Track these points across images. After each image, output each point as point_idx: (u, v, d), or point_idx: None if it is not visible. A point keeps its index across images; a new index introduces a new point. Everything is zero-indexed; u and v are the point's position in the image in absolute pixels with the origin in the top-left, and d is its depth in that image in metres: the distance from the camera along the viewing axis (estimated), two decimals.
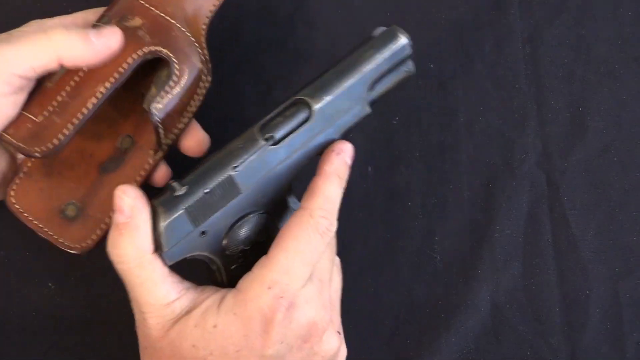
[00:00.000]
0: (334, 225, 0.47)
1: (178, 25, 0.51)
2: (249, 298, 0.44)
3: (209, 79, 0.53)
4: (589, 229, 0.59)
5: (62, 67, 0.48)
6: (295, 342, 0.45)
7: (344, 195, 0.58)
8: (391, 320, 0.57)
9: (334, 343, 0.47)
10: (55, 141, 0.48)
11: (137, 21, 0.50)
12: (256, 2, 0.63)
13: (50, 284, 0.56)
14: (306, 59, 0.62)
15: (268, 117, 0.48)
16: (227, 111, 0.61)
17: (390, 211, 0.59)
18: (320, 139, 0.48)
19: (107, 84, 0.48)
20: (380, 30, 0.49)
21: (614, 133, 0.61)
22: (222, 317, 0.44)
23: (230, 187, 0.46)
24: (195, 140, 0.53)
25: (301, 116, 0.47)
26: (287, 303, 0.44)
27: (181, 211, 0.46)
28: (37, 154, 0.47)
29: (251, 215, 0.48)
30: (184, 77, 0.51)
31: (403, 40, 0.48)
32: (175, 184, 0.46)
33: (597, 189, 0.60)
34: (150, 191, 0.55)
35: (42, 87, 0.49)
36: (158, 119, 0.50)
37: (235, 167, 0.46)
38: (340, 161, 0.48)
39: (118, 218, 0.46)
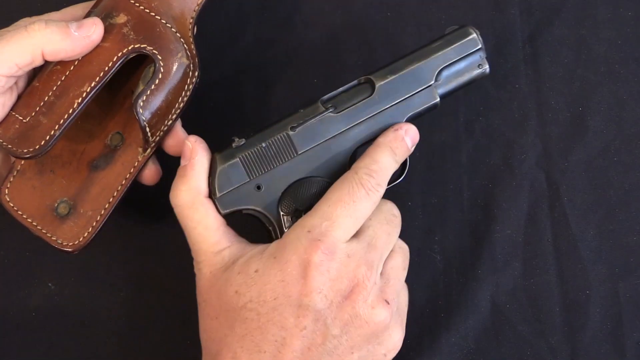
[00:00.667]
0: (381, 187, 0.48)
1: (163, 21, 0.52)
2: (288, 241, 0.45)
3: (197, 74, 0.53)
4: (589, 229, 0.59)
5: (46, 62, 0.49)
6: (335, 296, 0.44)
7: None
8: None
9: (381, 311, 0.46)
10: (43, 142, 0.48)
11: (121, 18, 0.51)
12: (256, 2, 0.63)
13: (50, 284, 0.56)
14: (306, 59, 0.62)
15: (333, 92, 0.50)
16: (227, 111, 0.61)
17: None
18: (384, 118, 0.50)
19: (93, 83, 0.49)
20: (452, 27, 0.52)
21: (614, 133, 0.61)
22: (263, 261, 0.45)
23: (286, 145, 0.49)
24: (174, 139, 0.53)
25: (364, 92, 0.50)
26: (325, 248, 0.44)
27: (236, 159, 0.49)
28: (26, 155, 0.48)
29: (313, 180, 0.49)
30: (170, 73, 0.51)
31: (471, 34, 0.51)
32: (235, 138, 0.49)
33: (597, 189, 0.60)
34: (143, 190, 0.55)
35: (30, 86, 0.50)
36: (144, 117, 0.50)
37: (293, 127, 0.49)
38: (395, 135, 0.50)
39: (181, 163, 0.49)
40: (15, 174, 0.52)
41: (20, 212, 0.52)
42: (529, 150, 0.60)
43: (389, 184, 0.50)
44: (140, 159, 0.53)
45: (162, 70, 0.50)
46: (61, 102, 0.49)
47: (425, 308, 0.57)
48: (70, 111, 0.49)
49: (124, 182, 0.53)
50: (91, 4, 0.53)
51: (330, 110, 0.49)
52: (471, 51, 0.51)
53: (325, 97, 0.50)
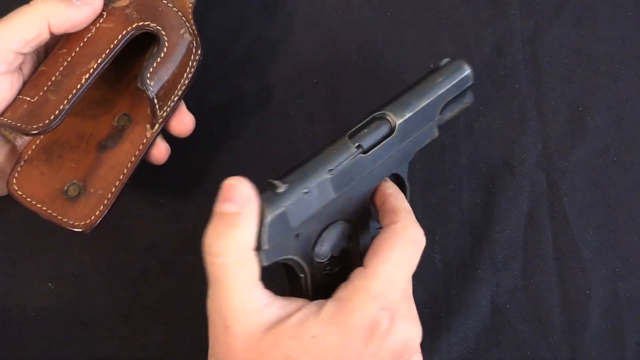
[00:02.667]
0: (424, 236, 0.47)
1: (164, 1, 0.52)
2: (354, 307, 0.42)
3: (200, 52, 0.53)
4: (589, 229, 0.59)
5: (52, 35, 0.49)
6: (389, 356, 0.43)
7: None
8: None
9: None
10: (52, 117, 0.48)
11: (123, 1, 0.51)
12: (256, 2, 0.63)
13: (50, 284, 0.56)
14: (306, 59, 0.62)
15: (355, 127, 0.49)
16: (227, 111, 0.61)
17: None
18: (398, 155, 0.50)
19: (99, 60, 0.49)
20: (446, 60, 0.51)
21: (614, 133, 0.61)
22: (322, 326, 0.42)
23: (325, 190, 0.46)
24: (180, 120, 0.53)
25: (384, 130, 0.49)
26: (390, 315, 0.43)
27: (283, 208, 0.44)
28: (35, 131, 0.48)
29: (338, 223, 0.48)
30: (174, 49, 0.52)
31: (468, 70, 0.51)
32: (276, 182, 0.45)
33: (597, 189, 0.60)
34: (143, 190, 0.55)
35: (37, 71, 0.50)
36: (152, 89, 0.50)
37: (331, 170, 0.47)
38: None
39: (228, 207, 0.42)
40: (22, 163, 0.52)
41: (29, 200, 0.51)
42: (529, 150, 0.60)
43: None
44: (148, 136, 0.53)
45: (166, 44, 0.51)
46: (69, 79, 0.49)
47: (425, 308, 0.57)
48: (79, 86, 0.49)
49: (133, 159, 0.53)
50: None
51: (361, 150, 0.48)
52: (466, 86, 0.51)
53: (350, 131, 0.48)
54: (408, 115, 0.49)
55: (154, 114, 0.52)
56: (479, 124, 0.61)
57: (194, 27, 0.54)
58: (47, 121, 0.48)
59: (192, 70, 0.53)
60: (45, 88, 0.49)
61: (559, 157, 0.60)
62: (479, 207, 0.59)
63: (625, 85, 0.62)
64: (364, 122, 0.49)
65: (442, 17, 0.63)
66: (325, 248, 0.48)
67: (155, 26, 0.51)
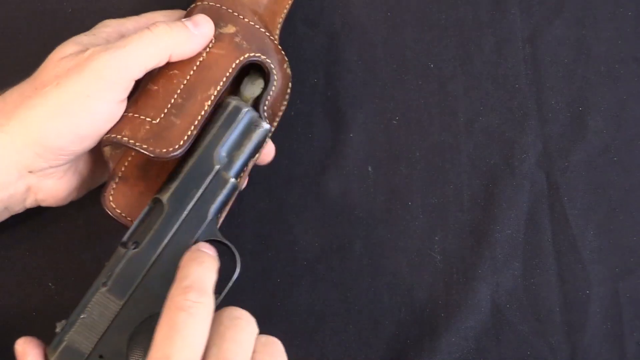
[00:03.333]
0: (203, 298, 0.42)
1: (267, 33, 0.53)
2: None
3: (291, 85, 0.54)
4: (589, 229, 0.59)
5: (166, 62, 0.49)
6: None
7: (345, 196, 0.58)
8: (391, 320, 0.57)
9: None
10: (182, 142, 0.48)
11: (230, 28, 0.52)
12: None
13: (50, 284, 0.56)
14: (306, 59, 0.62)
15: (129, 230, 0.48)
16: None
17: (390, 211, 0.59)
18: (190, 224, 0.48)
19: (218, 87, 0.50)
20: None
21: (614, 133, 0.61)
22: None
23: (106, 304, 0.46)
24: (267, 149, 0.54)
25: (158, 214, 0.48)
26: None
27: (64, 342, 0.46)
28: (166, 155, 0.47)
29: (147, 321, 0.46)
30: (281, 83, 0.53)
31: (229, 103, 0.50)
32: (57, 323, 0.47)
33: (597, 189, 0.60)
34: None
35: (145, 89, 0.50)
36: (267, 122, 0.51)
37: (104, 282, 0.47)
38: (191, 252, 0.46)
39: None
40: (117, 180, 0.51)
41: (129, 218, 0.51)
42: (529, 150, 0.60)
43: (223, 289, 0.48)
44: None
45: (276, 78, 0.52)
46: (191, 104, 0.49)
47: (425, 308, 0.57)
48: (203, 113, 0.49)
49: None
50: (169, 12, 0.54)
51: (132, 247, 0.47)
52: (237, 118, 0.50)
53: (124, 238, 0.48)
54: (173, 185, 0.48)
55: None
56: (479, 124, 0.61)
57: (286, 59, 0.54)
58: (177, 146, 0.48)
59: (285, 104, 0.54)
60: (166, 110, 0.49)
61: (559, 157, 0.60)
62: (479, 207, 0.59)
63: (625, 85, 0.62)
64: (137, 219, 0.48)
65: (442, 17, 0.63)
66: (141, 350, 0.47)
67: (265, 58, 0.52)
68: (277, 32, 0.55)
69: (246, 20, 0.52)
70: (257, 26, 0.53)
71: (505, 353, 0.57)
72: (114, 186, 0.51)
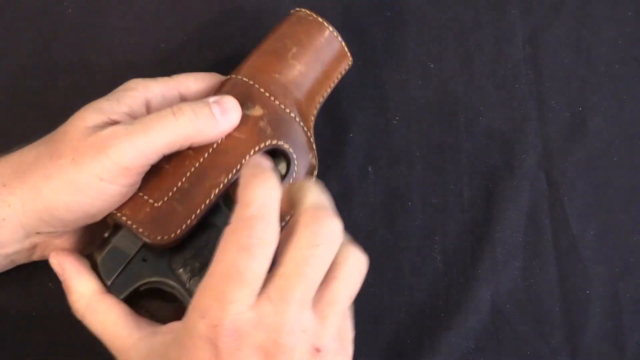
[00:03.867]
0: (266, 233, 0.39)
1: (297, 119, 0.50)
2: (190, 328, 0.40)
3: (316, 173, 0.52)
4: (589, 229, 0.59)
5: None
6: None
7: (345, 195, 0.58)
8: (391, 320, 0.57)
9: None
10: (179, 231, 0.46)
11: (257, 110, 0.49)
12: (256, 2, 0.63)
13: (50, 284, 0.56)
14: None
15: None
16: None
17: (390, 211, 0.59)
18: None
19: (230, 175, 0.47)
20: None
21: (614, 133, 0.61)
22: (177, 350, 0.41)
23: None
24: None
25: None
26: (227, 331, 0.39)
27: (110, 244, 0.48)
28: (159, 243, 0.46)
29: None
30: (301, 174, 0.50)
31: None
32: (106, 231, 0.49)
33: (597, 189, 0.60)
34: None
35: (158, 167, 0.47)
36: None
37: None
38: (252, 164, 0.43)
39: (61, 277, 0.49)
40: None
41: None
42: (529, 150, 0.60)
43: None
44: None
45: (296, 169, 0.50)
46: (197, 191, 0.47)
47: (425, 308, 0.57)
48: (207, 202, 0.47)
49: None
50: (202, 75, 0.52)
51: None
52: None
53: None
54: None
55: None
56: (479, 124, 0.61)
57: (315, 148, 0.51)
58: (172, 235, 0.46)
59: None
60: (170, 194, 0.47)
61: (559, 157, 0.60)
62: (479, 207, 0.59)
63: (625, 85, 0.62)
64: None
65: (442, 17, 0.63)
66: (180, 257, 0.47)
67: (288, 147, 0.49)
68: (315, 112, 0.53)
69: (277, 102, 0.50)
70: (288, 110, 0.50)
71: (505, 353, 0.57)
72: None
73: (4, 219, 0.47)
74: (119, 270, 0.47)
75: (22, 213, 0.47)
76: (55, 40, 0.60)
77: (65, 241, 0.50)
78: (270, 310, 0.39)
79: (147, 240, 0.46)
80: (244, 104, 0.49)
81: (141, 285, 0.48)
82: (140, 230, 0.46)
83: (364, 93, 0.61)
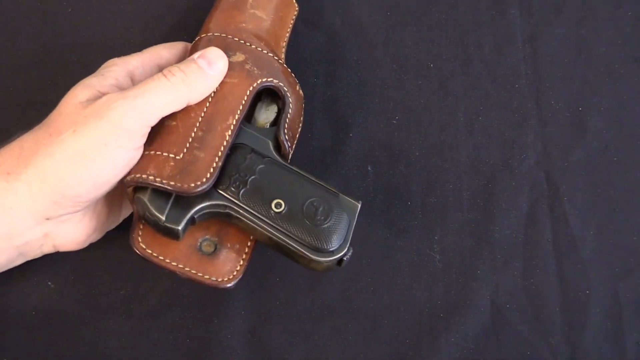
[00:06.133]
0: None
1: (275, 57, 0.53)
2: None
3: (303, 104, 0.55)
4: (589, 229, 0.59)
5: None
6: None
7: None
8: (391, 320, 0.57)
9: None
10: (208, 174, 0.48)
11: (239, 56, 0.52)
12: None
13: (50, 284, 0.56)
14: (306, 59, 0.62)
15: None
16: None
17: (390, 211, 0.59)
18: None
19: (236, 116, 0.50)
20: None
21: (614, 133, 0.61)
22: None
23: None
24: None
25: None
26: None
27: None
28: (194, 190, 0.47)
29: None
30: (296, 105, 0.53)
31: None
32: None
33: (597, 189, 0.60)
34: None
35: (163, 125, 0.49)
36: (288, 144, 0.52)
37: None
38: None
39: None
40: (143, 221, 0.50)
41: (162, 258, 0.50)
42: (529, 150, 0.60)
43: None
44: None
45: (291, 101, 0.53)
46: (212, 136, 0.49)
47: (424, 308, 0.57)
48: (225, 143, 0.49)
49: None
50: (173, 45, 0.55)
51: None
52: None
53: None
54: None
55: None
56: (479, 124, 0.61)
57: (296, 80, 0.55)
58: (204, 179, 0.47)
59: (301, 122, 0.54)
60: (188, 145, 0.48)
61: (559, 157, 0.60)
62: (478, 207, 0.59)
63: (625, 85, 0.62)
64: None
65: (442, 17, 0.63)
66: (225, 176, 0.49)
67: (278, 82, 0.52)
68: (283, 54, 0.56)
69: (253, 46, 0.53)
70: (265, 51, 0.53)
71: (505, 353, 0.57)
72: (142, 227, 0.50)
73: (11, 208, 0.47)
74: (169, 203, 0.48)
75: (29, 198, 0.47)
76: (55, 40, 0.60)
77: (75, 227, 0.50)
78: None
79: (180, 190, 0.47)
80: (225, 53, 0.51)
81: (195, 213, 0.48)
82: (172, 183, 0.47)
83: (364, 93, 0.61)
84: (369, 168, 0.60)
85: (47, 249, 0.52)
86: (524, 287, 0.58)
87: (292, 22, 0.58)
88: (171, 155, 0.48)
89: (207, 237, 0.51)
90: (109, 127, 0.46)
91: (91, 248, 0.53)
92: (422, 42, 0.62)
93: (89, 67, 0.59)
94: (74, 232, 0.51)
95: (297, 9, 0.59)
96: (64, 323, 0.56)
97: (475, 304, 0.57)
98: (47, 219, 0.48)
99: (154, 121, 0.48)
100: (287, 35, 0.57)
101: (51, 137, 0.47)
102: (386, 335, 0.57)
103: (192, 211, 0.48)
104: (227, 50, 0.52)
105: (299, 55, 0.62)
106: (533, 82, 0.62)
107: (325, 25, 0.63)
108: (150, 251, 0.50)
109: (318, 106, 0.61)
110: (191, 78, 0.49)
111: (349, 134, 0.60)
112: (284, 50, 0.56)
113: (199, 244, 0.51)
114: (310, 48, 0.62)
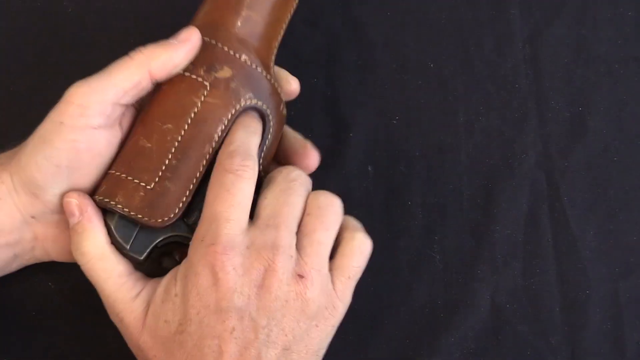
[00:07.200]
0: (249, 161, 0.46)
1: (263, 73, 0.50)
2: (190, 256, 0.45)
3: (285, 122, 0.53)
4: (589, 229, 0.59)
5: (154, 84, 0.47)
6: (250, 289, 0.43)
7: (344, 195, 0.58)
8: (391, 320, 0.57)
9: (295, 287, 0.44)
10: (177, 210, 0.46)
11: (226, 72, 0.48)
12: None
13: (50, 284, 0.56)
14: (306, 59, 0.62)
15: None
16: None
17: (390, 211, 0.59)
18: None
19: (213, 144, 0.47)
20: None
21: (614, 133, 0.61)
22: (179, 283, 0.45)
23: None
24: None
25: None
26: (223, 249, 0.43)
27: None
28: (161, 225, 0.46)
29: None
30: (277, 127, 0.51)
31: None
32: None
33: (597, 189, 0.60)
34: None
35: (137, 146, 0.47)
36: (262, 174, 0.49)
37: None
38: (241, 116, 0.49)
39: (72, 221, 0.47)
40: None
41: None
42: (529, 150, 0.60)
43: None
44: None
45: (272, 124, 0.50)
46: (186, 166, 0.47)
47: (424, 308, 0.57)
48: (198, 175, 0.47)
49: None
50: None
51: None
52: None
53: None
54: None
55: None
56: (479, 124, 0.61)
57: (282, 96, 0.51)
58: (172, 215, 0.46)
59: (278, 142, 0.52)
60: (160, 174, 0.46)
61: (559, 157, 0.60)
62: (479, 207, 0.59)
63: (625, 85, 0.62)
64: None
65: (442, 17, 0.63)
66: (192, 210, 0.48)
67: (262, 105, 0.49)
68: (273, 57, 0.52)
69: (243, 59, 0.49)
70: (254, 66, 0.49)
71: (505, 353, 0.57)
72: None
73: (0, 199, 0.47)
74: (135, 232, 0.47)
75: (13, 189, 0.47)
76: (55, 40, 0.60)
77: (62, 233, 0.50)
78: (259, 234, 0.44)
79: (147, 224, 0.46)
80: (212, 66, 0.48)
81: (160, 242, 0.48)
82: (139, 216, 0.46)
83: (364, 93, 0.61)
84: (369, 168, 0.60)
85: (40, 253, 0.51)
86: (524, 287, 0.58)
87: (289, 19, 0.55)
88: (142, 184, 0.46)
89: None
90: (63, 106, 0.46)
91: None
92: (422, 42, 0.62)
93: (89, 67, 0.59)
94: (61, 236, 0.50)
95: (296, 2, 0.54)
96: (64, 323, 0.56)
97: (475, 304, 0.57)
98: (33, 217, 0.48)
99: (111, 96, 0.46)
100: (281, 34, 0.54)
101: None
102: (386, 335, 0.57)
103: (157, 241, 0.47)
104: (215, 62, 0.48)
105: (299, 55, 0.62)
106: (533, 82, 0.62)
107: (325, 25, 0.63)
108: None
109: (318, 106, 0.61)
110: (151, 47, 0.47)
111: (349, 134, 0.60)
112: (275, 50, 0.53)
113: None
114: (310, 48, 0.62)
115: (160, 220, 0.46)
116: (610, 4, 0.63)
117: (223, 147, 0.47)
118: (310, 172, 0.53)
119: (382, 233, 0.58)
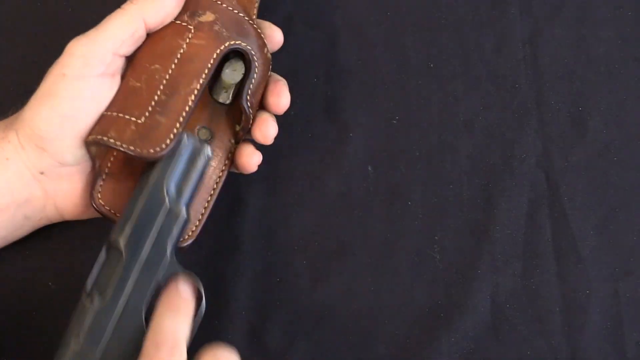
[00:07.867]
0: (176, 353, 0.43)
1: (246, 18, 0.52)
2: None
3: (271, 67, 0.54)
4: (589, 229, 0.59)
5: (148, 32, 0.49)
6: None
7: (345, 195, 0.58)
8: (391, 320, 0.57)
9: None
10: (168, 140, 0.47)
11: (209, 16, 0.51)
12: None
13: (50, 284, 0.56)
14: (306, 59, 0.62)
15: (90, 278, 0.46)
16: None
17: (390, 211, 0.59)
18: (150, 265, 0.46)
19: (201, 80, 0.49)
20: None
21: (614, 133, 0.61)
22: None
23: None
24: (264, 129, 0.54)
25: (115, 258, 0.46)
26: None
27: None
28: (153, 155, 0.47)
29: None
30: (263, 68, 0.52)
31: (183, 140, 0.48)
32: None
33: (597, 189, 0.60)
34: None
35: (128, 86, 0.49)
36: (251, 111, 0.51)
37: (76, 340, 0.45)
38: (168, 295, 0.45)
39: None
40: (104, 177, 0.51)
41: (118, 215, 0.50)
42: (529, 150, 0.60)
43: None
44: (232, 150, 0.54)
45: (257, 64, 0.52)
46: (175, 101, 0.48)
47: (425, 308, 0.57)
48: (187, 109, 0.48)
49: (221, 174, 0.53)
50: None
51: (97, 297, 0.46)
52: (180, 147, 0.48)
53: (87, 288, 0.46)
54: (127, 227, 0.46)
55: (246, 130, 0.53)
56: (479, 124, 0.61)
57: (265, 42, 0.54)
58: (163, 145, 0.47)
59: (266, 80, 0.54)
60: (150, 108, 0.48)
61: (559, 157, 0.60)
62: (478, 207, 0.59)
63: (625, 85, 0.62)
64: (97, 267, 0.46)
65: (442, 17, 0.63)
66: None
67: (246, 45, 0.51)
68: (255, 12, 0.54)
69: (224, 5, 0.52)
70: (236, 11, 0.52)
71: (505, 353, 0.57)
72: (101, 183, 0.51)
73: (7, 159, 0.48)
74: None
75: (20, 146, 0.48)
76: (55, 40, 0.60)
77: (72, 186, 0.51)
78: None
79: (140, 155, 0.47)
80: (195, 12, 0.50)
81: None
82: (131, 147, 0.47)
83: (364, 93, 0.61)
84: (369, 168, 0.60)
85: (51, 212, 0.52)
86: (524, 287, 0.58)
87: None
88: (132, 119, 0.48)
89: (203, 125, 0.53)
90: (66, 59, 0.47)
91: (92, 249, 0.53)
92: (422, 42, 0.62)
93: None
94: (72, 192, 0.51)
95: None
96: (64, 324, 0.56)
97: (475, 304, 0.57)
98: (42, 172, 0.49)
99: (110, 45, 0.48)
100: None
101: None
102: (386, 335, 0.57)
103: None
104: (198, 8, 0.51)
105: (299, 55, 0.62)
106: (533, 82, 0.62)
107: (325, 25, 0.63)
108: (108, 208, 0.51)
109: (318, 106, 0.61)
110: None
111: (349, 134, 0.60)
112: (256, 6, 0.55)
113: (196, 131, 0.53)
114: (310, 48, 0.62)
115: (152, 150, 0.47)
116: (610, 4, 0.63)
117: (150, 332, 0.44)
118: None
119: (382, 233, 0.58)
